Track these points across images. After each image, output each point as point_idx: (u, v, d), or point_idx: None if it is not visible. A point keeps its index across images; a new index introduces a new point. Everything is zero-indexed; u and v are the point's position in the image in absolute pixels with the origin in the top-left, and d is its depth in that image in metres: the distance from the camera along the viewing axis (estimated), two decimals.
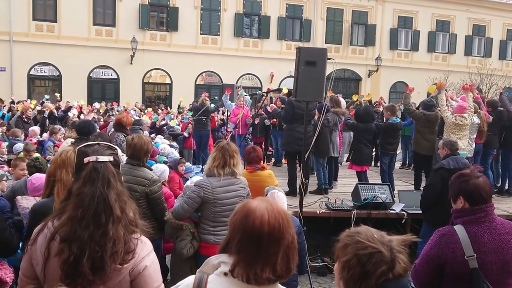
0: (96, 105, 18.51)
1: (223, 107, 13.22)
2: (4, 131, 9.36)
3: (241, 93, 12.11)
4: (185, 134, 12.34)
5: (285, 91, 11.26)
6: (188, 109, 16.07)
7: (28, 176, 4.76)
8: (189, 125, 12.22)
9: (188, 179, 6.58)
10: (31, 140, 8.51)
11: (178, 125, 13.59)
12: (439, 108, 8.42)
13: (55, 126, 9.58)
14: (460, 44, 29.70)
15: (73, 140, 6.31)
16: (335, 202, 7.34)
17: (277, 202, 4.38)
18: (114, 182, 1.97)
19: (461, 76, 26.92)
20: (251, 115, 11.59)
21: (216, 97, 13.96)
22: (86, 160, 1.98)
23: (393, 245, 1.67)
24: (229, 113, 11.71)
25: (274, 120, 11.06)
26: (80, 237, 1.88)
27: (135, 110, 17.09)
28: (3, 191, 4.57)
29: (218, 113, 14.42)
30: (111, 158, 2.02)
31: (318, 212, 6.97)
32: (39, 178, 4.35)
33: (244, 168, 5.72)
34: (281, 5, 26.09)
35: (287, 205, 4.93)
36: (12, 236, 3.06)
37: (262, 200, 1.77)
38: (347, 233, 1.77)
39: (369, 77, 28.11)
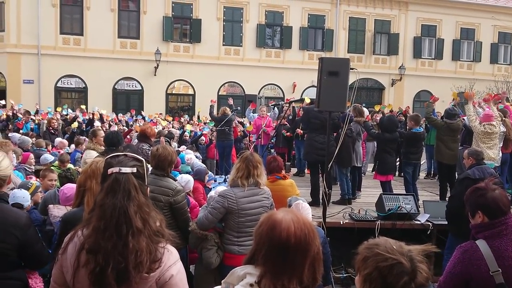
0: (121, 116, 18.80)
1: (245, 118, 13.33)
2: (34, 142, 9.58)
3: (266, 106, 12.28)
4: (204, 131, 12.42)
5: (307, 100, 11.29)
6: (209, 120, 16.24)
7: (58, 186, 4.87)
8: (212, 133, 12.38)
9: (210, 189, 6.64)
10: (59, 152, 8.70)
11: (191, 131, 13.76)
12: (467, 118, 8.33)
13: (80, 137, 9.79)
14: (486, 52, 29.25)
15: (94, 151, 6.41)
16: (359, 212, 7.28)
17: (301, 213, 4.41)
18: (135, 193, 1.98)
19: (487, 85, 26.52)
20: (273, 126, 11.63)
21: (238, 108, 14.03)
22: (109, 171, 2.01)
23: (413, 255, 1.68)
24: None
25: (289, 134, 11.15)
26: (104, 248, 1.90)
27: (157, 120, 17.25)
28: (37, 203, 4.68)
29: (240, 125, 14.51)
30: (134, 170, 2.03)
31: (341, 223, 6.92)
32: (71, 188, 4.45)
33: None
34: (303, 15, 26.17)
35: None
36: (43, 249, 3.13)
37: (287, 212, 1.78)
38: (365, 246, 1.78)
39: (392, 86, 27.88)
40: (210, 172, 7.96)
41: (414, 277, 1.64)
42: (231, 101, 12.51)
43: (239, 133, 13.82)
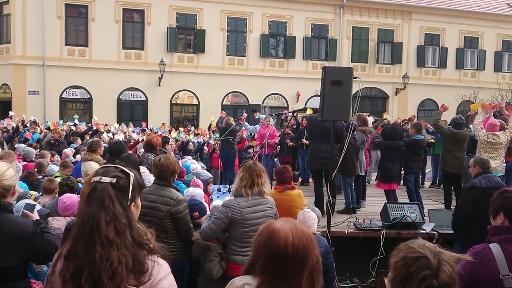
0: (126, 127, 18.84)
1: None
2: (38, 153, 9.61)
3: (258, 116, 12.28)
4: (210, 141, 12.43)
5: (309, 112, 11.30)
6: (214, 131, 16.28)
7: (58, 196, 4.87)
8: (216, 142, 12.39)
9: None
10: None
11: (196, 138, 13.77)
12: (473, 126, 8.29)
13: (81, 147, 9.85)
14: (490, 60, 29.23)
15: (92, 162, 6.40)
16: (364, 221, 7.25)
17: (307, 222, 4.38)
18: (109, 203, 1.94)
19: (491, 93, 26.45)
20: (278, 135, 11.62)
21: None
22: (92, 180, 2.00)
23: (442, 256, 1.73)
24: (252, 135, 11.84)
25: (292, 143, 11.15)
26: (78, 256, 1.89)
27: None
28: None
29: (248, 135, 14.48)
30: (114, 180, 1.99)
31: (346, 232, 6.89)
32: (70, 197, 4.46)
33: (272, 188, 5.72)
34: (307, 25, 26.27)
35: None
36: (49, 245, 3.11)
37: (286, 221, 1.77)
38: (405, 242, 1.86)
39: (396, 95, 27.86)
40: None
41: (437, 274, 1.68)
42: (224, 114, 12.57)
43: (246, 144, 13.82)
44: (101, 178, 1.99)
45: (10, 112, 17.32)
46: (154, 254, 1.99)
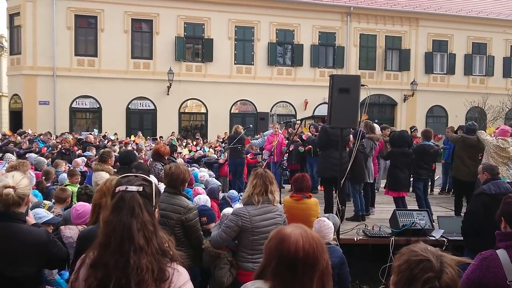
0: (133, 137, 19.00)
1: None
2: (50, 163, 9.72)
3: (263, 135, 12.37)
4: (220, 161, 12.49)
5: (305, 131, 11.38)
6: (223, 138, 16.33)
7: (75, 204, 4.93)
8: (224, 153, 12.41)
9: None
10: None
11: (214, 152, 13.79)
12: (479, 133, 8.26)
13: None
14: (498, 66, 29.10)
15: (103, 172, 6.45)
16: (373, 228, 7.24)
17: (323, 230, 4.39)
18: (139, 211, 2.00)
19: (500, 99, 26.39)
20: (286, 143, 11.65)
21: (251, 125, 14.10)
22: (117, 189, 2.06)
23: (444, 259, 1.77)
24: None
25: (309, 146, 11.08)
26: (106, 264, 1.93)
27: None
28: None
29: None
30: (140, 188, 2.06)
31: (355, 239, 6.88)
32: (83, 205, 4.52)
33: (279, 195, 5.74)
34: (314, 33, 26.35)
35: None
36: (62, 252, 3.16)
37: (296, 227, 1.82)
38: (407, 246, 1.91)
39: (404, 102, 27.79)
40: (234, 191, 8.00)
41: (440, 276, 1.71)
42: (220, 138, 12.69)
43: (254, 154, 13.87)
44: (127, 187, 2.05)
45: (29, 131, 17.29)
46: (174, 262, 2.04)
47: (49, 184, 7.62)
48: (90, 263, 1.97)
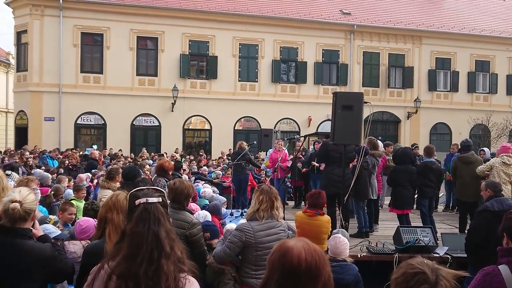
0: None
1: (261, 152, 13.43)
2: (55, 178, 9.78)
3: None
4: (225, 185, 12.50)
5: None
6: (227, 155, 16.36)
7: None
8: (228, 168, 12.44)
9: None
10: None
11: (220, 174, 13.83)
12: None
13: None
14: (502, 84, 29.16)
15: (109, 190, 6.46)
16: (376, 245, 7.23)
17: (338, 247, 4.39)
18: (163, 220, 2.11)
19: (504, 116, 26.37)
20: (289, 159, 11.69)
21: (255, 142, 14.16)
22: (137, 202, 2.13)
23: (439, 272, 1.82)
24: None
25: (305, 169, 11.18)
26: (135, 274, 1.98)
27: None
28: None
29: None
30: (160, 200, 2.16)
31: (359, 256, 6.86)
32: (87, 220, 4.55)
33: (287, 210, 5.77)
34: (317, 50, 26.55)
35: None
36: (66, 265, 3.18)
37: (298, 240, 1.86)
38: (406, 260, 1.96)
39: (408, 119, 27.84)
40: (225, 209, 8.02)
41: None
42: (224, 154, 12.73)
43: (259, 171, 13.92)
44: (147, 199, 2.13)
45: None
46: (187, 271, 2.11)
47: (54, 200, 7.66)
48: (117, 274, 2.02)
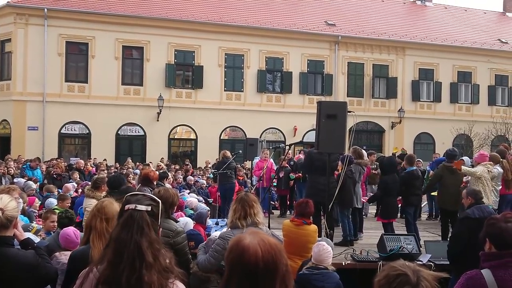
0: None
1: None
2: (37, 187, 9.69)
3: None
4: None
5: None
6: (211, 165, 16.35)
7: (58, 228, 4.92)
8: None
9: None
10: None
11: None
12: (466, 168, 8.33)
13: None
14: (483, 94, 29.65)
15: (94, 199, 6.43)
16: (361, 253, 7.27)
17: (322, 255, 4.39)
18: (147, 230, 2.09)
19: (486, 126, 26.78)
20: (275, 169, 11.72)
21: (240, 151, 14.18)
22: (126, 207, 2.14)
23: (421, 273, 1.89)
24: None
25: (299, 174, 11.18)
26: (118, 281, 1.99)
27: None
28: None
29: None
30: (149, 208, 2.15)
31: (343, 264, 6.89)
32: (72, 230, 4.52)
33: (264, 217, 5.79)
34: (303, 61, 26.75)
35: None
36: (50, 269, 3.15)
37: (253, 235, 1.89)
38: (389, 263, 2.04)
39: (392, 129, 28.13)
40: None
41: None
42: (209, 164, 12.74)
43: (241, 178, 13.92)
44: (136, 206, 2.13)
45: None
46: (175, 278, 2.12)
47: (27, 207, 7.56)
48: (100, 280, 2.03)
